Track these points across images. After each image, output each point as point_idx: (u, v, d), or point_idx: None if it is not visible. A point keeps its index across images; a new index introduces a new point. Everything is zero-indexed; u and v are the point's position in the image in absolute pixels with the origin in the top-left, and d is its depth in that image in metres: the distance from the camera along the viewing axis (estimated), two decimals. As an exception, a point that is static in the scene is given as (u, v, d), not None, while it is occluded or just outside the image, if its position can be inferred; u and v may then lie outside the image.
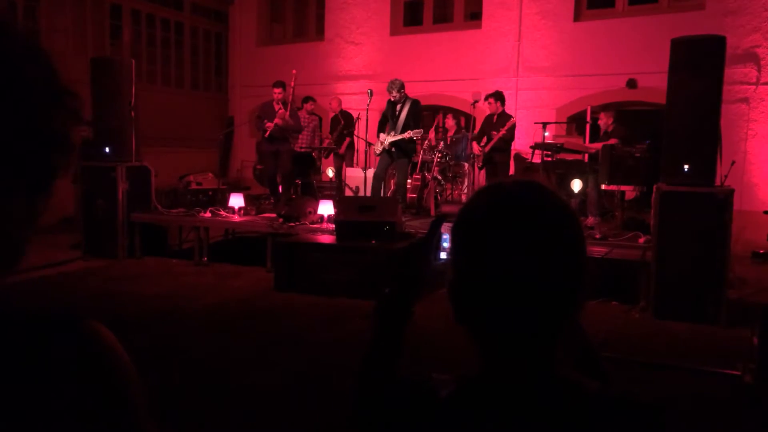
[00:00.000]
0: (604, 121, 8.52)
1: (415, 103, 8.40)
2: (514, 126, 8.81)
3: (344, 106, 11.16)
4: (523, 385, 0.86)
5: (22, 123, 0.62)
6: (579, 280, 0.86)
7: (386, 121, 8.51)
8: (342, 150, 10.35)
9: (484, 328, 0.88)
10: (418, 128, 8.30)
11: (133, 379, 0.67)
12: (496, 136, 8.71)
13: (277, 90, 8.70)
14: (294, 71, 9.13)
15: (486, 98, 9.07)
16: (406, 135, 8.17)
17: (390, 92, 8.35)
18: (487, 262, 0.86)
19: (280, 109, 8.61)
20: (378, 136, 8.57)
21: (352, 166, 10.33)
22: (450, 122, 10.38)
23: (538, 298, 0.84)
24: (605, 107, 9.96)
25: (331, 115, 10.86)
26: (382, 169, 8.55)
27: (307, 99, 10.79)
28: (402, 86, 8.33)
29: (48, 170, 0.66)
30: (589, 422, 0.84)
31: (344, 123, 10.50)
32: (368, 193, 8.52)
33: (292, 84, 8.78)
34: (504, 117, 8.90)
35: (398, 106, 8.33)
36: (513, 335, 0.86)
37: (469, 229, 0.90)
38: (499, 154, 8.87)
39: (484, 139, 9.02)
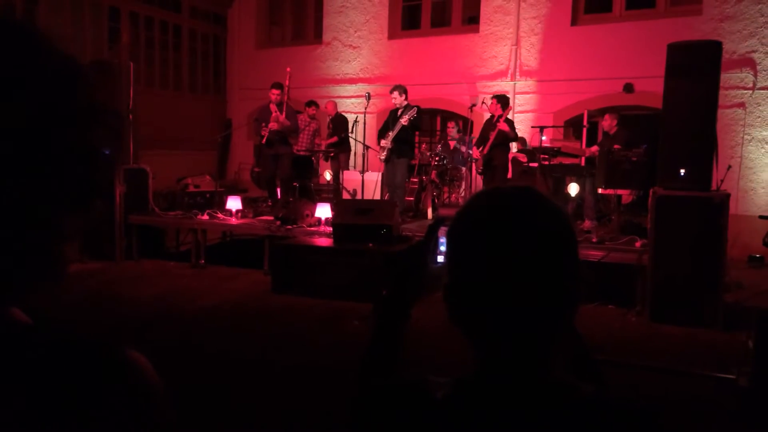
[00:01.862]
0: (609, 122, 8.52)
1: (417, 113, 8.44)
2: (512, 122, 8.80)
3: (342, 110, 11.18)
4: (519, 388, 0.87)
5: (63, 141, 0.63)
6: (573, 284, 0.87)
7: (386, 130, 8.53)
8: (332, 151, 10.34)
9: (478, 331, 0.90)
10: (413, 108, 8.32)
11: (169, 409, 0.68)
12: (494, 132, 8.68)
13: (276, 92, 8.67)
14: (288, 69, 9.12)
15: (492, 97, 9.07)
16: (403, 120, 8.17)
17: (392, 93, 8.40)
18: (482, 265, 0.87)
19: (274, 112, 8.60)
20: (379, 143, 8.59)
21: (348, 169, 10.34)
22: (452, 130, 10.39)
23: (532, 302, 0.85)
24: (602, 111, 9.99)
25: (327, 119, 10.90)
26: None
27: (310, 103, 10.79)
28: (404, 90, 8.39)
29: (87, 187, 0.67)
30: (584, 426, 0.85)
31: (333, 127, 10.53)
32: (370, 197, 8.54)
33: (287, 83, 8.77)
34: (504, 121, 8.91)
35: (399, 112, 8.37)
36: (507, 338, 0.87)
37: (464, 232, 0.91)
38: (498, 153, 8.78)
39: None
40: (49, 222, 0.64)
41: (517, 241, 0.86)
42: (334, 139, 10.36)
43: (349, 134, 10.14)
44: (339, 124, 10.46)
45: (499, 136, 8.65)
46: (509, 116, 9.02)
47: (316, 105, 10.83)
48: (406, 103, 8.40)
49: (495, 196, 0.93)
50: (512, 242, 0.86)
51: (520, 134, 10.32)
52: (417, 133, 9.61)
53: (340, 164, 10.27)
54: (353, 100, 12.21)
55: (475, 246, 0.88)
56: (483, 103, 9.33)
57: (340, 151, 10.28)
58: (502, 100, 8.96)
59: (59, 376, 0.61)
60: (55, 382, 0.61)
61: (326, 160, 10.73)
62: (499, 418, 0.85)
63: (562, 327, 0.92)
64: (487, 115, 9.32)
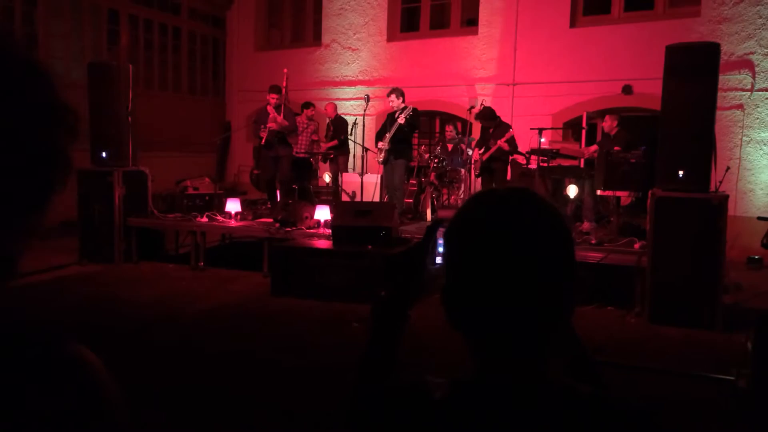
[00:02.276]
0: (609, 123, 8.55)
1: (413, 111, 8.45)
2: (513, 138, 8.83)
3: (341, 112, 11.19)
4: (516, 389, 0.87)
5: (25, 143, 0.63)
6: (568, 285, 0.88)
7: (384, 132, 8.55)
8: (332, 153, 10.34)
9: (475, 332, 0.90)
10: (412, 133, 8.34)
11: (119, 402, 0.67)
12: (494, 146, 8.72)
13: (274, 96, 8.66)
14: (285, 70, 9.14)
15: (484, 122, 9.10)
16: (400, 119, 8.20)
17: (389, 96, 8.41)
18: (478, 267, 0.87)
19: (271, 113, 8.60)
20: (376, 146, 8.60)
21: (347, 171, 10.35)
22: (450, 133, 10.41)
23: (529, 303, 0.86)
24: (601, 113, 10.01)
25: (327, 121, 10.91)
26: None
27: (308, 104, 10.81)
28: (401, 93, 8.40)
29: (47, 187, 0.66)
30: (582, 426, 0.85)
31: (333, 129, 10.52)
32: (369, 199, 8.54)
33: (284, 84, 8.78)
34: (502, 127, 8.91)
35: (396, 114, 8.37)
36: (504, 339, 0.88)
37: (460, 234, 0.92)
38: (497, 162, 8.87)
39: (484, 147, 9.06)
40: (6, 222, 0.63)
41: (513, 242, 0.86)
42: (335, 142, 10.36)
43: (349, 137, 10.16)
44: (339, 126, 10.47)
45: (498, 150, 8.71)
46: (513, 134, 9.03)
47: (313, 106, 10.85)
48: (403, 105, 8.41)
49: (491, 198, 0.94)
50: (508, 243, 0.86)
51: (518, 136, 10.33)
52: (416, 134, 9.62)
53: (339, 166, 10.28)
54: (352, 102, 12.23)
55: (472, 247, 0.89)
56: (475, 107, 9.36)
57: (339, 154, 10.29)
58: (483, 116, 8.99)
59: (2, 371, 0.60)
60: None
61: (324, 162, 10.74)
62: (496, 419, 0.86)
63: (560, 327, 0.92)
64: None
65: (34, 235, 0.67)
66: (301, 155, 9.98)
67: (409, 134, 8.58)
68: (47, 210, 0.68)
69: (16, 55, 0.64)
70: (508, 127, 8.95)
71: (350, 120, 10.35)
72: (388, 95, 8.48)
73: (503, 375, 0.88)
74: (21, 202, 0.64)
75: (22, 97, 0.63)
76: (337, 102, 11.56)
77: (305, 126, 10.44)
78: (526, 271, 0.85)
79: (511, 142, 8.75)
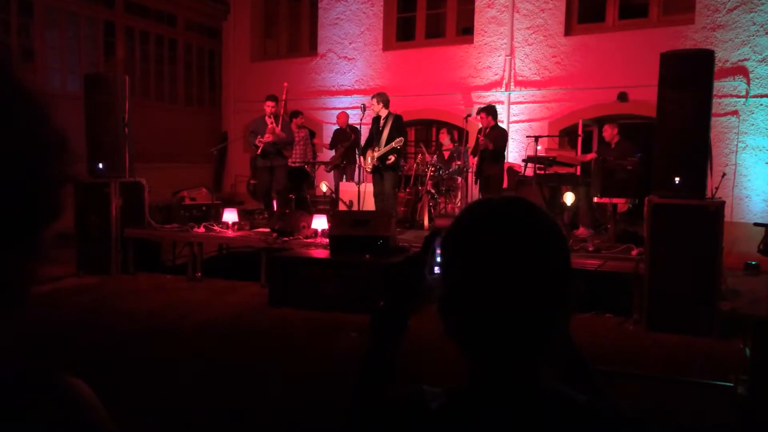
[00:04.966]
0: (609, 132, 8.58)
1: (398, 119, 8.44)
2: (503, 136, 8.83)
3: (335, 122, 11.20)
4: (511, 398, 0.87)
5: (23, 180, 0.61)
6: (564, 293, 0.88)
7: (372, 140, 8.55)
8: (344, 161, 10.32)
9: (471, 341, 0.90)
10: (399, 137, 8.32)
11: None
12: (481, 145, 8.72)
13: (270, 104, 8.67)
14: (285, 84, 9.16)
15: (478, 112, 9.12)
16: (388, 147, 8.21)
17: (371, 99, 8.41)
18: (473, 276, 0.87)
19: (270, 123, 8.61)
20: (365, 155, 8.60)
21: (353, 180, 10.33)
22: (445, 138, 10.41)
23: (524, 312, 0.86)
24: (597, 120, 10.04)
25: (337, 129, 10.88)
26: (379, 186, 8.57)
27: (296, 114, 10.82)
28: (387, 101, 8.36)
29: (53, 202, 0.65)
30: None
31: (354, 138, 10.47)
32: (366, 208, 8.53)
33: (284, 97, 8.80)
34: (495, 131, 8.92)
35: (381, 122, 8.37)
36: (499, 349, 0.88)
37: (456, 245, 0.92)
38: (491, 166, 8.84)
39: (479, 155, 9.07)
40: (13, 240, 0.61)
41: (508, 251, 0.86)
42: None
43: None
44: (357, 136, 10.44)
45: (488, 151, 8.73)
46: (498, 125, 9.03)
47: (302, 114, 10.88)
48: (387, 112, 8.36)
49: (485, 208, 0.94)
50: (503, 253, 0.86)
51: (514, 144, 10.36)
52: (411, 142, 9.62)
53: (345, 175, 10.27)
54: (349, 111, 12.25)
55: (467, 257, 0.89)
56: (477, 114, 9.36)
57: (349, 162, 10.27)
58: (492, 111, 8.98)
59: None
60: None
61: (329, 171, 10.69)
62: (492, 428, 0.86)
63: (556, 336, 0.92)
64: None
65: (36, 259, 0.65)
66: (297, 164, 9.99)
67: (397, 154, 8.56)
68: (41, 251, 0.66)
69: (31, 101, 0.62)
70: (503, 132, 8.96)
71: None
72: (372, 101, 8.45)
73: (499, 384, 0.88)
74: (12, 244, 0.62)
75: (25, 133, 0.62)
76: (333, 111, 11.58)
77: (300, 136, 10.45)
78: (522, 280, 0.86)
79: (497, 140, 8.70)
